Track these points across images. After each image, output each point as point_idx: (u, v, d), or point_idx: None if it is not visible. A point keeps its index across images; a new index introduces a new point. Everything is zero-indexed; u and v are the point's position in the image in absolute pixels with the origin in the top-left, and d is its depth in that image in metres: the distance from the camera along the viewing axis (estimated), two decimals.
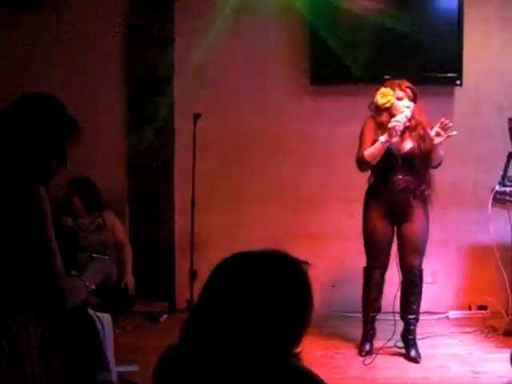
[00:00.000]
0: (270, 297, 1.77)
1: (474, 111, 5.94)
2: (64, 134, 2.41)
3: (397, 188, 4.71)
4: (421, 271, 4.87)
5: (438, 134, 4.56)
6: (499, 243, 5.34)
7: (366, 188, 4.88)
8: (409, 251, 4.81)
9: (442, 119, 4.57)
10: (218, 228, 5.93)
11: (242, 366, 1.76)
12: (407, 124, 4.65)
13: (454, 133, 4.58)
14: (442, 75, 5.84)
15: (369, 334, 4.96)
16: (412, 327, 4.89)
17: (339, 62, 5.82)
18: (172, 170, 6.13)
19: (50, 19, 6.02)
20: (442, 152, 4.66)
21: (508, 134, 5.29)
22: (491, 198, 5.22)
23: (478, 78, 5.90)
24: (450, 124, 4.54)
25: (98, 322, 2.66)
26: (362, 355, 4.87)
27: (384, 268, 4.87)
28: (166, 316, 5.80)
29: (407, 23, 5.82)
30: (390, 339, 4.87)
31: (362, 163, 4.72)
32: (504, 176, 5.28)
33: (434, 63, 5.82)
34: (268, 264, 1.82)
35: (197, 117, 5.75)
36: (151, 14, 6.03)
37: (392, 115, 4.64)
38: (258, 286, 1.77)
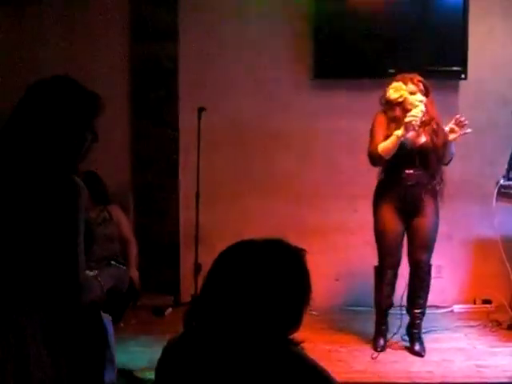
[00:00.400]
0: (270, 282, 1.83)
1: (478, 105, 5.93)
2: (93, 110, 2.40)
3: (409, 182, 4.70)
4: (429, 266, 4.87)
5: (452, 131, 4.56)
6: (504, 237, 5.33)
7: (376, 185, 4.85)
8: (418, 246, 4.81)
9: (458, 116, 4.57)
10: (223, 221, 5.93)
11: (244, 351, 1.80)
12: (422, 118, 4.64)
13: (469, 130, 4.57)
14: (447, 69, 5.83)
15: (382, 330, 4.94)
16: (418, 321, 4.89)
17: (343, 56, 5.83)
18: (177, 164, 6.13)
19: (54, 12, 6.03)
20: (454, 149, 4.66)
21: None
22: (496, 191, 5.20)
23: (483, 71, 5.88)
24: (466, 122, 4.52)
25: (108, 324, 2.66)
26: (377, 351, 4.84)
27: (397, 266, 4.85)
28: (170, 309, 5.81)
29: (412, 17, 5.82)
30: (395, 333, 4.89)
31: (375, 158, 4.69)
32: (509, 169, 5.26)
33: (438, 57, 5.82)
34: (267, 251, 1.88)
35: (201, 110, 5.74)
36: (155, 6, 6.03)
37: (405, 109, 4.63)
38: (258, 272, 1.83)
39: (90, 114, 2.38)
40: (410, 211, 4.76)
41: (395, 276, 4.87)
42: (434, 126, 4.69)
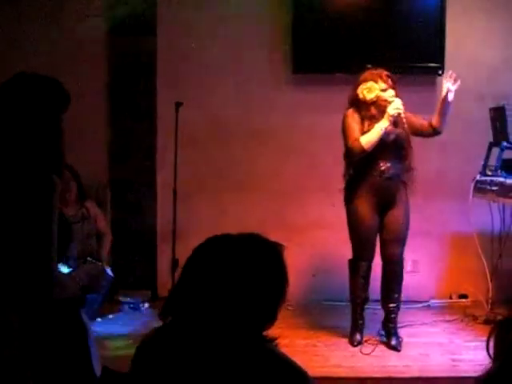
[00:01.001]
0: (245, 276, 1.82)
1: (455, 101, 5.94)
2: (59, 102, 2.40)
3: (385, 175, 4.72)
4: (402, 260, 4.89)
5: (448, 91, 4.64)
6: (480, 232, 5.37)
7: (348, 178, 4.86)
8: (392, 240, 4.82)
9: (450, 72, 4.68)
10: (200, 217, 5.92)
11: (219, 347, 1.80)
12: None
13: (459, 82, 4.66)
14: (425, 65, 5.86)
15: (358, 324, 4.95)
16: (393, 316, 4.90)
17: (322, 51, 5.84)
18: (154, 159, 6.12)
19: (30, 8, 5.98)
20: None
21: (489, 124, 5.32)
22: (472, 187, 5.24)
23: (460, 68, 5.89)
24: (455, 75, 4.64)
25: (87, 321, 2.65)
26: (354, 345, 4.86)
27: (371, 259, 4.87)
28: (147, 305, 5.80)
29: (390, 13, 5.84)
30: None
31: (357, 151, 4.66)
32: (485, 165, 5.30)
33: (416, 53, 5.85)
34: (244, 246, 1.87)
35: (179, 105, 5.72)
36: (134, 0, 6.00)
37: (379, 106, 4.66)
38: (233, 266, 1.82)
39: (56, 106, 2.38)
40: (384, 204, 4.78)
41: (369, 269, 4.88)
42: (403, 116, 4.72)
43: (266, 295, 1.84)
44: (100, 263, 2.56)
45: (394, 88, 4.71)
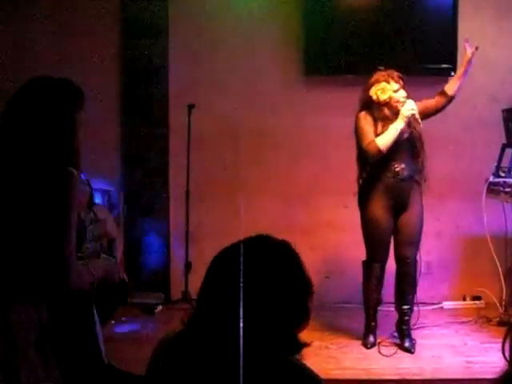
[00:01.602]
0: (267, 281, 1.78)
1: (468, 102, 5.94)
2: (74, 102, 2.44)
3: (400, 177, 4.71)
4: (416, 262, 4.88)
5: (472, 55, 4.85)
6: (493, 234, 5.35)
7: (361, 183, 4.85)
8: (406, 242, 4.82)
9: (467, 37, 4.92)
10: (213, 219, 5.93)
11: (245, 358, 1.75)
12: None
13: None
14: (437, 66, 5.85)
15: (371, 327, 4.95)
16: (406, 318, 4.89)
17: (333, 53, 5.84)
18: (166, 161, 6.13)
19: (43, 10, 6.01)
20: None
21: (502, 125, 5.30)
22: (485, 188, 5.23)
23: (473, 68, 5.88)
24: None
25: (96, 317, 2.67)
26: (367, 347, 4.86)
27: (385, 260, 4.87)
28: (161, 307, 5.80)
29: (402, 14, 5.83)
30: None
31: (374, 153, 4.65)
32: (498, 167, 5.29)
33: (428, 54, 5.84)
34: (258, 250, 1.84)
35: (191, 107, 5.74)
36: (146, 3, 6.02)
37: (391, 107, 4.67)
38: (253, 273, 1.78)
39: (69, 103, 2.42)
40: (398, 206, 4.77)
41: (383, 271, 4.88)
42: (417, 117, 4.72)
43: (289, 295, 1.80)
44: (114, 259, 2.58)
45: (404, 88, 4.72)
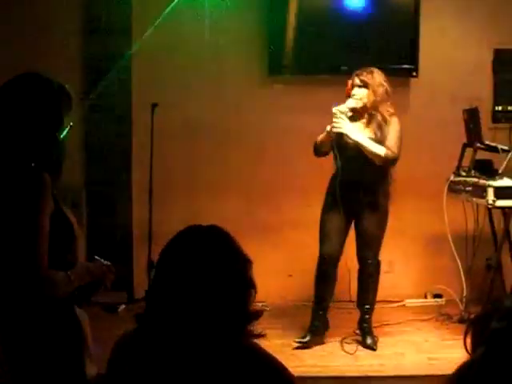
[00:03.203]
0: (205, 263, 1.83)
1: (429, 102, 6.01)
2: (64, 103, 2.42)
3: (346, 177, 4.74)
4: (377, 262, 4.91)
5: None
6: (454, 232, 5.41)
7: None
8: (363, 243, 4.88)
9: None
10: (176, 218, 5.90)
11: (197, 343, 1.78)
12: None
13: None
14: (398, 66, 5.90)
15: (312, 325, 4.95)
16: (367, 316, 4.93)
17: (297, 53, 5.86)
18: (129, 160, 6.10)
19: (3, 8, 5.94)
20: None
21: (463, 125, 5.37)
22: (446, 187, 5.29)
23: (434, 69, 5.97)
24: None
25: (84, 319, 2.64)
26: (297, 346, 4.87)
27: (334, 256, 4.88)
28: (124, 306, 5.78)
29: (364, 14, 5.87)
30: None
31: (314, 149, 4.82)
32: (459, 166, 5.36)
33: (389, 54, 5.88)
34: (193, 238, 1.90)
35: (154, 106, 5.72)
36: (108, 1, 5.98)
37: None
38: (192, 260, 1.84)
39: (57, 107, 2.40)
40: (351, 208, 4.79)
41: (333, 266, 4.89)
42: (379, 119, 4.74)
43: (228, 269, 1.84)
44: (107, 262, 2.55)
45: (365, 86, 4.74)
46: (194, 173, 6.05)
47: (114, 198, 6.10)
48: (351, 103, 4.70)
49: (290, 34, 5.88)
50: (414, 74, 5.88)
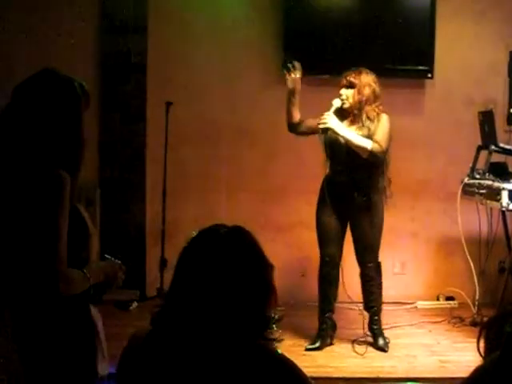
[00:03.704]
0: (226, 265, 1.80)
1: (444, 104, 6.00)
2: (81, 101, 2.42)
3: (338, 179, 4.75)
4: (378, 264, 4.89)
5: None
6: (467, 235, 5.39)
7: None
8: (361, 247, 4.85)
9: None
10: (189, 216, 5.92)
11: (214, 347, 1.77)
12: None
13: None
14: (414, 68, 5.89)
15: (320, 329, 4.93)
16: (375, 317, 4.91)
17: (312, 53, 5.85)
18: (144, 158, 6.12)
19: (21, 6, 5.96)
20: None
21: (478, 128, 5.35)
22: (460, 190, 5.27)
23: (450, 71, 5.95)
24: None
25: (97, 317, 2.65)
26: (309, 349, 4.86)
27: (333, 257, 4.86)
28: (136, 304, 5.79)
29: (380, 16, 5.86)
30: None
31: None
32: (473, 168, 5.33)
33: (405, 56, 5.88)
34: (215, 238, 1.86)
35: (169, 105, 5.74)
36: (125, 0, 6.01)
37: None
38: (213, 261, 1.81)
39: (75, 105, 2.41)
40: (345, 208, 4.78)
41: (335, 267, 4.87)
42: (364, 118, 4.72)
43: (249, 273, 1.82)
44: (118, 261, 2.54)
45: (351, 86, 4.74)
46: (207, 172, 6.06)
47: (127, 197, 6.12)
48: (337, 103, 4.71)
49: (306, 33, 5.88)
50: (430, 75, 5.86)
